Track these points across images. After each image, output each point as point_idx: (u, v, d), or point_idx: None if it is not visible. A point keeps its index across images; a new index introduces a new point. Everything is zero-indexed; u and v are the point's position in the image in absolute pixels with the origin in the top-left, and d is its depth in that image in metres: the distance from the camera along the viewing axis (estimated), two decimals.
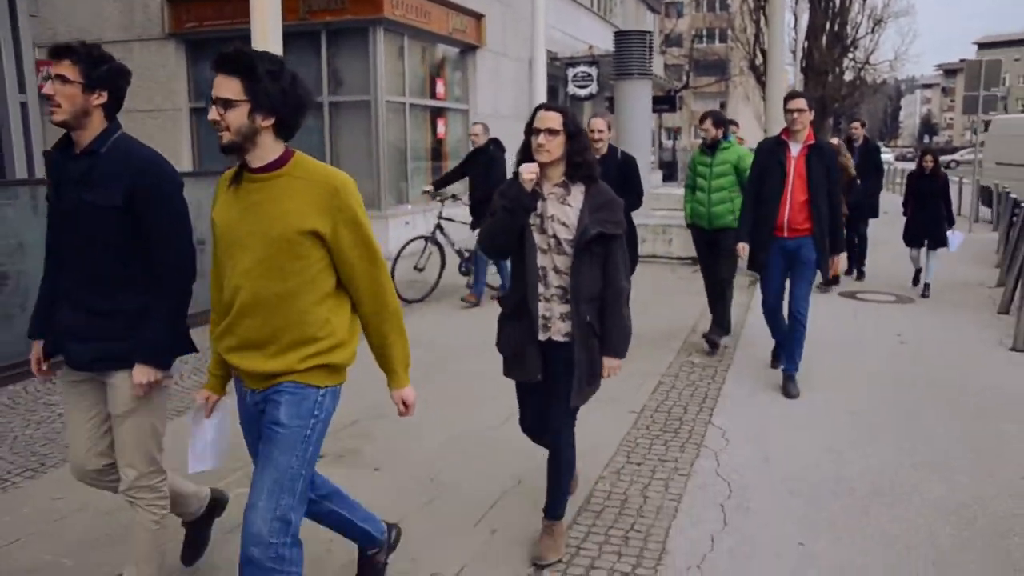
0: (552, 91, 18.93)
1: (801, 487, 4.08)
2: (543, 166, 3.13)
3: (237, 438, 2.76)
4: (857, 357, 6.51)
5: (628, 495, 3.99)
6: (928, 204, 9.29)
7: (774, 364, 6.15)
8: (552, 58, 17.95)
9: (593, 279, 3.16)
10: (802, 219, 5.43)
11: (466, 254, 9.03)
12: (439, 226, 8.95)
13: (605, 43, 21.42)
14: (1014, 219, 10.13)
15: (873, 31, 35.32)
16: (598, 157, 5.47)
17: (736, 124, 9.41)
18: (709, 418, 5.10)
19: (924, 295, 9.13)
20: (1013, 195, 11.78)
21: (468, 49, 14.84)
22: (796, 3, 32.91)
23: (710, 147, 6.64)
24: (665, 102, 25.57)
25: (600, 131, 5.96)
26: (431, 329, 7.49)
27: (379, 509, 3.23)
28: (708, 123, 6.63)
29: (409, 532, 3.45)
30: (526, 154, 3.20)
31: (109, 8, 13.25)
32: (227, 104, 2.33)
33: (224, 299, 2.47)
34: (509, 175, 3.30)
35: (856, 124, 10.76)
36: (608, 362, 3.25)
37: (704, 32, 59.78)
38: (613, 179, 5.29)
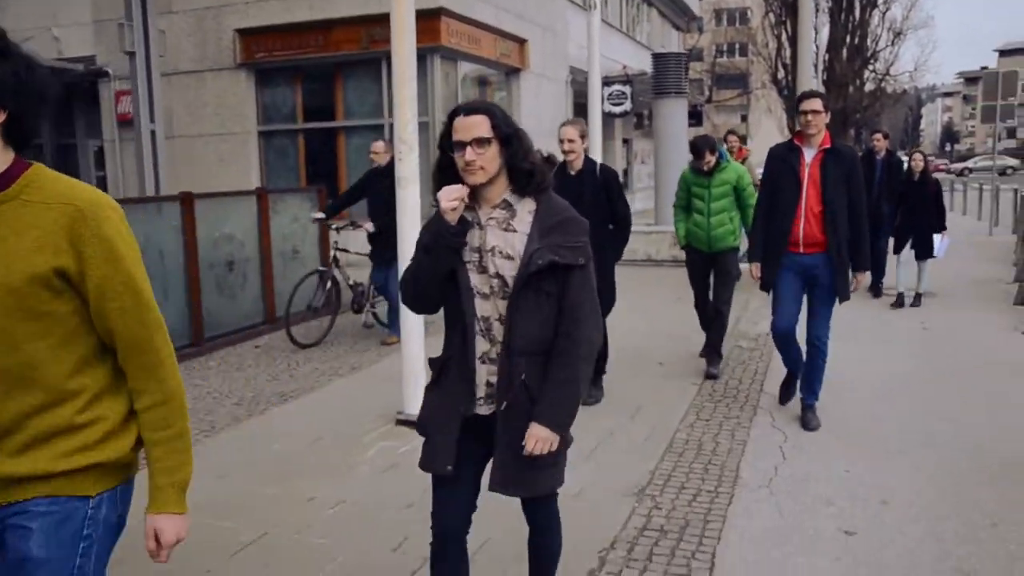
0: (579, 108, 19.97)
1: (844, 433, 5.00)
2: (476, 187, 2.38)
3: None
4: (885, 337, 7.40)
5: (702, 441, 4.93)
6: (918, 211, 8.77)
7: (783, 398, 5.56)
8: (587, 78, 18.98)
9: (540, 324, 2.36)
10: (820, 232, 4.90)
11: (360, 288, 8.05)
12: (335, 258, 7.97)
13: (634, 61, 22.43)
14: None
15: (893, 43, 36.05)
16: (572, 173, 5.33)
17: (735, 134, 9.62)
18: (761, 387, 6.03)
19: (915, 304, 8.83)
20: None
21: (512, 72, 15.89)
22: (816, 17, 33.78)
23: (707, 171, 6.27)
24: (691, 117, 26.47)
25: (571, 140, 5.26)
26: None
27: None
28: (707, 154, 6.20)
29: None
30: (444, 175, 2.43)
31: (185, 41, 14.39)
32: None
33: None
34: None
35: (878, 135, 9.92)
36: (536, 431, 2.35)
37: (725, 46, 60.67)
38: (591, 198, 5.15)
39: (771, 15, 34.96)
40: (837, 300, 5.03)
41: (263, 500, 4.22)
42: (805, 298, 5.13)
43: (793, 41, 32.46)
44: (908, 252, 8.97)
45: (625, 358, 6.43)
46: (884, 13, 35.28)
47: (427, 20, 12.82)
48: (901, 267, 8.95)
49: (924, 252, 8.88)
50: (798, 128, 5.06)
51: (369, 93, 13.71)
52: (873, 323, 8.12)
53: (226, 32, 14.08)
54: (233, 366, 7.10)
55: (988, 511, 3.88)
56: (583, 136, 5.37)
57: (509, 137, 2.35)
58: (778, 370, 6.41)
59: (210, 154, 14.07)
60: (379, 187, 7.20)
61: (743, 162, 8.89)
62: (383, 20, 12.93)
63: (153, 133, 7.61)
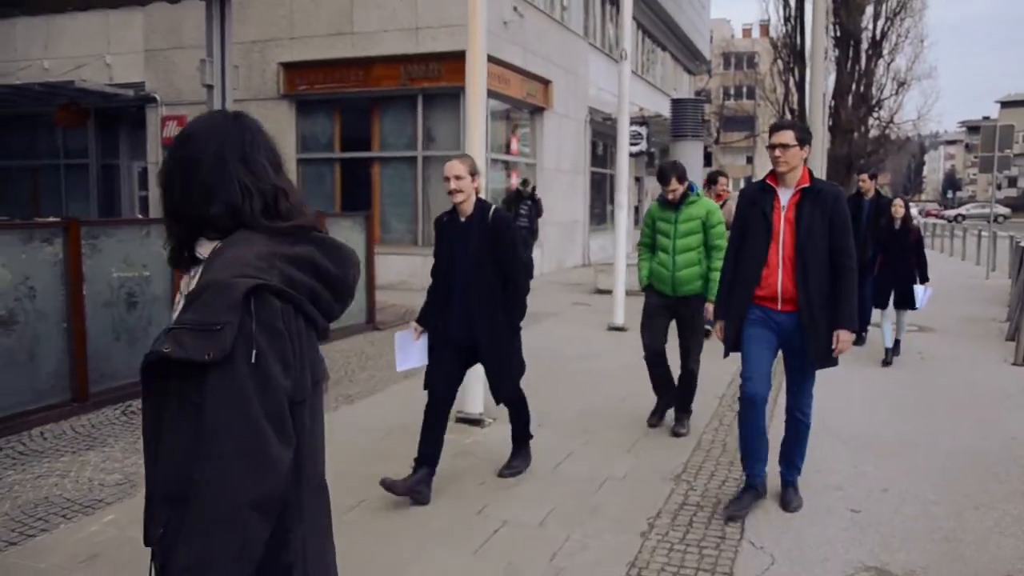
0: (595, 145, 20.90)
1: (849, 439, 5.74)
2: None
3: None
4: (883, 364, 8.16)
5: (726, 442, 5.66)
6: (898, 262, 8.24)
7: (750, 478, 4.46)
8: (604, 118, 19.94)
9: (180, 450, 1.46)
10: (794, 285, 4.26)
11: None
12: None
13: (648, 103, 23.40)
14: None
15: (897, 92, 37.08)
16: (462, 219, 4.49)
17: (725, 176, 9.10)
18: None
19: (887, 360, 8.20)
20: (1022, 243, 13.39)
21: (537, 110, 16.81)
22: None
23: (674, 202, 5.71)
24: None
25: (458, 177, 4.34)
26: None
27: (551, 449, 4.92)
28: (674, 180, 5.64)
29: (580, 456, 5.15)
30: None
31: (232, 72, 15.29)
32: None
33: None
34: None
35: (864, 176, 9.33)
36: None
37: (732, 89, 62.05)
38: (477, 248, 4.41)
39: (779, 62, 36.09)
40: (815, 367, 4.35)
41: (357, 478, 4.95)
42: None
43: (800, 87, 33.62)
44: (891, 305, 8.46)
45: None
46: (889, 63, 36.34)
47: (462, 61, 13.70)
48: (886, 320, 8.31)
49: (904, 303, 8.33)
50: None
51: (405, 126, 14.59)
52: (871, 352, 8.87)
53: (270, 65, 14.99)
54: None
55: (972, 498, 4.62)
56: (473, 174, 4.41)
57: (171, 172, 1.60)
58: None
59: None
60: None
61: (723, 205, 8.20)
62: (420, 59, 13.97)
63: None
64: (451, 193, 4.41)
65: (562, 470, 5.09)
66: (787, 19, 34.27)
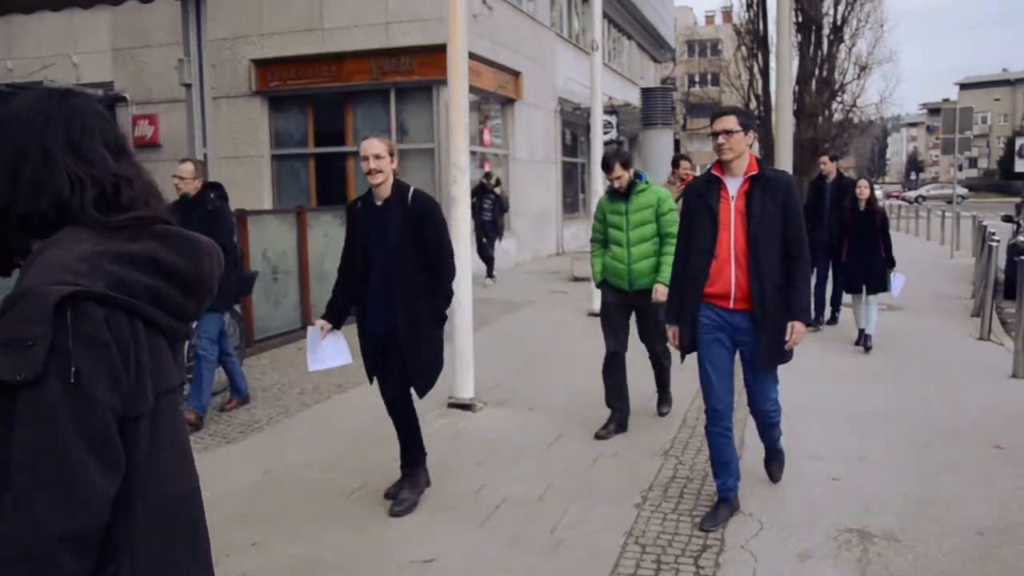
0: (565, 135, 21.11)
1: (826, 413, 5.99)
2: None
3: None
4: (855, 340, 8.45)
5: None
6: (864, 244, 8.12)
7: (723, 492, 4.23)
8: (574, 108, 20.14)
9: None
10: (747, 281, 4.04)
11: None
12: None
13: (616, 92, 23.59)
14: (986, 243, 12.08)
15: (859, 77, 37.63)
16: (378, 203, 4.21)
17: (689, 160, 8.91)
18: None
19: (867, 346, 8.00)
20: (984, 223, 13.79)
21: (508, 102, 16.94)
22: None
23: (622, 192, 5.43)
24: None
25: (377, 156, 4.11)
26: None
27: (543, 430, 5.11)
28: (617, 167, 5.31)
29: (571, 436, 5.35)
30: None
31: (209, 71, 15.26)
32: None
33: None
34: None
35: (824, 158, 9.29)
36: None
37: (697, 76, 62.54)
38: (397, 234, 4.11)
39: (743, 48, 36.46)
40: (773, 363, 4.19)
41: (355, 460, 5.12)
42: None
43: (764, 73, 34.04)
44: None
45: (640, 357, 7.39)
46: (851, 48, 36.86)
47: (434, 55, 13.86)
48: (859, 305, 8.24)
49: (874, 286, 8.10)
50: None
51: (377, 120, 14.65)
52: (845, 332, 9.15)
53: (242, 62, 14.97)
54: (286, 364, 7.97)
55: (945, 462, 4.89)
56: (392, 154, 4.18)
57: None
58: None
59: (225, 176, 14.90)
60: (189, 220, 4.92)
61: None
62: (390, 53, 14.04)
63: (205, 156, 8.50)
64: (370, 174, 4.10)
65: (555, 449, 5.28)
66: (749, 5, 34.66)
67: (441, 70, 13.91)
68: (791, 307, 4.02)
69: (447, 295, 4.34)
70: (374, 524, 4.17)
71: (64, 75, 15.89)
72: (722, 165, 4.08)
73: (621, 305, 5.55)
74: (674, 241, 4.63)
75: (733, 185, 4.04)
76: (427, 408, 6.17)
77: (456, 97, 6.26)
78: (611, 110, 20.56)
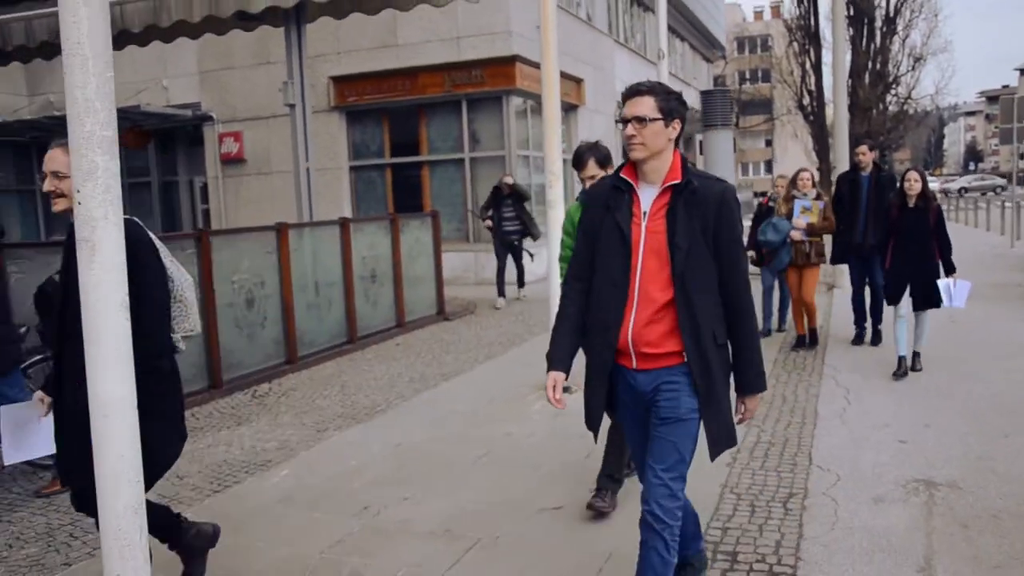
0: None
1: (892, 389, 6.58)
2: None
3: None
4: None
5: (784, 394, 6.53)
6: (913, 247, 6.74)
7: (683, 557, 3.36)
8: None
9: None
10: (661, 332, 2.84)
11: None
12: None
13: None
14: None
15: (913, 68, 37.53)
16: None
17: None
18: (823, 360, 7.63)
19: (915, 368, 6.97)
20: None
21: (571, 108, 17.67)
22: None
23: None
24: None
25: (56, 174, 3.05)
26: None
27: None
28: (592, 165, 4.26)
29: None
30: None
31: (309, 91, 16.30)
32: None
33: None
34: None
35: (862, 148, 8.17)
36: None
37: (748, 73, 62.53)
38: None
39: (794, 44, 36.62)
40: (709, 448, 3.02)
41: (475, 435, 5.88)
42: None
43: (817, 68, 34.21)
44: (907, 301, 7.00)
45: None
46: (904, 39, 36.80)
47: (504, 66, 14.69)
48: (900, 323, 6.96)
49: (925, 301, 6.85)
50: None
51: (451, 130, 15.52)
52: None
53: (320, 79, 15.94)
54: (388, 358, 8.80)
55: (1001, 430, 5.47)
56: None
57: None
58: (835, 342, 7.97)
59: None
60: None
61: None
62: (462, 67, 14.87)
63: (308, 171, 9.37)
64: (53, 200, 3.06)
65: None
66: (800, 1, 34.88)
67: (509, 80, 14.76)
68: (741, 379, 2.96)
69: (158, 341, 3.25)
70: (502, 483, 4.92)
71: (155, 98, 17.07)
72: (633, 166, 2.95)
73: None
74: None
75: (647, 196, 2.89)
76: (526, 391, 6.96)
77: (549, 109, 7.00)
78: None
